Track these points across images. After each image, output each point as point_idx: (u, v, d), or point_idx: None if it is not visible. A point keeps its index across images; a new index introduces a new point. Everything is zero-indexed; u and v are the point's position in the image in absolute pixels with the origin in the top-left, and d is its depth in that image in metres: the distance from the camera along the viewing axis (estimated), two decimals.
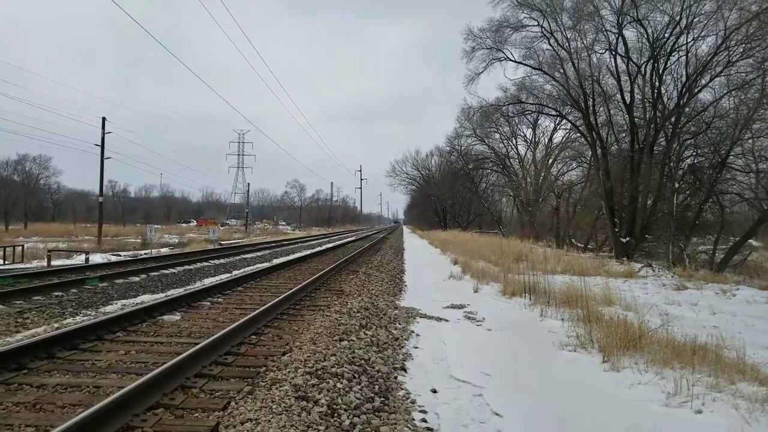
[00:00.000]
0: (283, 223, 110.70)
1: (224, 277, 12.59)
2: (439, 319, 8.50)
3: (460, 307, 9.78)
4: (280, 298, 8.30)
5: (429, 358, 6.16)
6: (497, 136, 46.38)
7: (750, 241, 21.94)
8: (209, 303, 8.79)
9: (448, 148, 58.96)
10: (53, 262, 19.05)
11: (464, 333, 7.67)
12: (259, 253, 21.82)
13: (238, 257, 19.45)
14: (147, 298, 9.28)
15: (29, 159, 70.11)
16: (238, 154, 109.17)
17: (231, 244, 32.28)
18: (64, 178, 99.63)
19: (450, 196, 64.71)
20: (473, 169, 52.01)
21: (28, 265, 18.86)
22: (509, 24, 27.61)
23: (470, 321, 8.58)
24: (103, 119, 33.07)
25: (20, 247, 22.31)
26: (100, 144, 32.96)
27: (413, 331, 7.45)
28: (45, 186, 76.76)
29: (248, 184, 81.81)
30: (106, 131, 33.06)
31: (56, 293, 9.56)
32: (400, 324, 7.79)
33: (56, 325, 6.86)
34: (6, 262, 19.91)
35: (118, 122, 74.41)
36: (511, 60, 29.40)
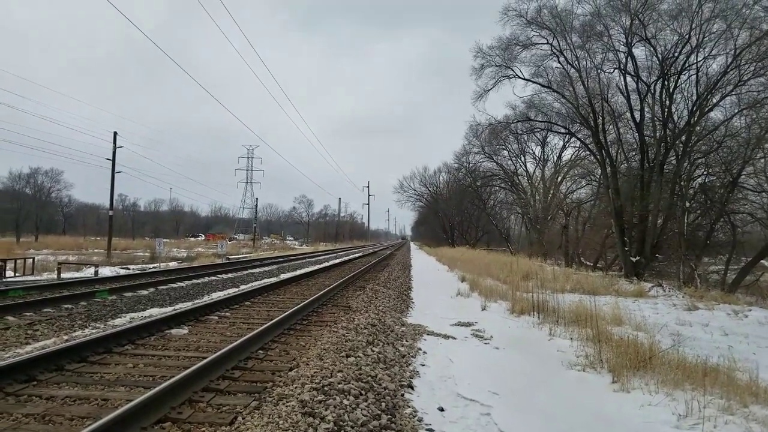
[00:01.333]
0: (291, 238, 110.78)
1: (232, 291, 12.61)
2: (446, 337, 8.46)
3: (468, 324, 9.73)
4: (287, 313, 8.30)
5: (436, 375, 6.11)
6: (506, 153, 46.36)
7: (762, 261, 21.68)
8: (217, 317, 8.81)
9: (456, 165, 58.88)
10: (63, 275, 19.18)
11: (472, 351, 7.62)
12: (266, 268, 21.86)
13: (245, 272, 19.49)
14: (155, 312, 9.31)
15: (41, 172, 70.67)
16: (247, 170, 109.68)
17: (239, 258, 32.38)
18: (75, 191, 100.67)
19: (458, 212, 64.58)
20: (481, 186, 51.94)
21: (38, 278, 19.02)
22: (518, 42, 27.77)
23: (478, 339, 8.52)
24: (115, 134, 33.50)
25: (31, 260, 22.53)
26: (111, 158, 33.34)
27: (420, 349, 7.41)
28: (56, 199, 77.34)
29: (256, 199, 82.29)
30: (117, 145, 33.46)
31: (66, 306, 9.62)
32: (407, 341, 7.76)
33: (65, 338, 6.91)
34: (17, 274, 20.09)
35: (128, 135, 75.22)
36: (520, 77, 29.51)
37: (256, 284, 14.33)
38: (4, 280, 18.37)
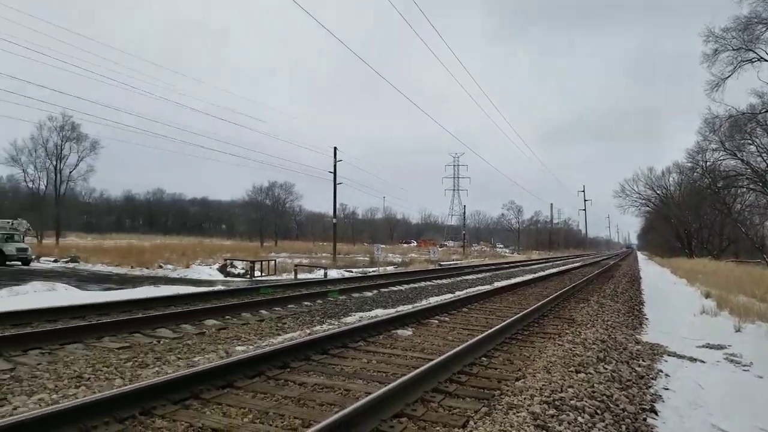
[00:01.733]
0: (501, 245, 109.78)
1: (448, 297, 12.87)
2: (692, 360, 7.37)
3: (719, 347, 8.36)
4: (507, 321, 8.12)
5: (683, 401, 5.33)
6: (753, 148, 38.99)
7: None
8: (437, 321, 9.04)
9: (689, 164, 51.58)
10: (298, 276, 21.86)
11: (726, 377, 6.51)
12: (479, 275, 21.91)
13: (458, 278, 19.79)
14: (380, 312, 9.95)
15: (277, 185, 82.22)
16: (454, 177, 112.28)
17: (450, 265, 33.18)
18: (305, 201, 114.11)
19: (694, 218, 56.67)
20: (723, 187, 44.72)
21: (279, 278, 22.01)
22: (761, 20, 23.47)
23: (733, 364, 7.26)
24: (335, 149, 37.07)
25: (273, 262, 26.27)
26: (332, 171, 36.97)
27: (661, 371, 6.57)
28: (290, 209, 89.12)
29: (464, 206, 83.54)
30: (337, 159, 36.98)
31: (305, 303, 10.89)
32: (644, 361, 6.95)
33: (308, 331, 7.77)
34: (263, 274, 23.59)
35: (346, 149, 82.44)
36: (765, 60, 24.91)
37: (470, 291, 14.41)
38: (253, 278, 21.73)
